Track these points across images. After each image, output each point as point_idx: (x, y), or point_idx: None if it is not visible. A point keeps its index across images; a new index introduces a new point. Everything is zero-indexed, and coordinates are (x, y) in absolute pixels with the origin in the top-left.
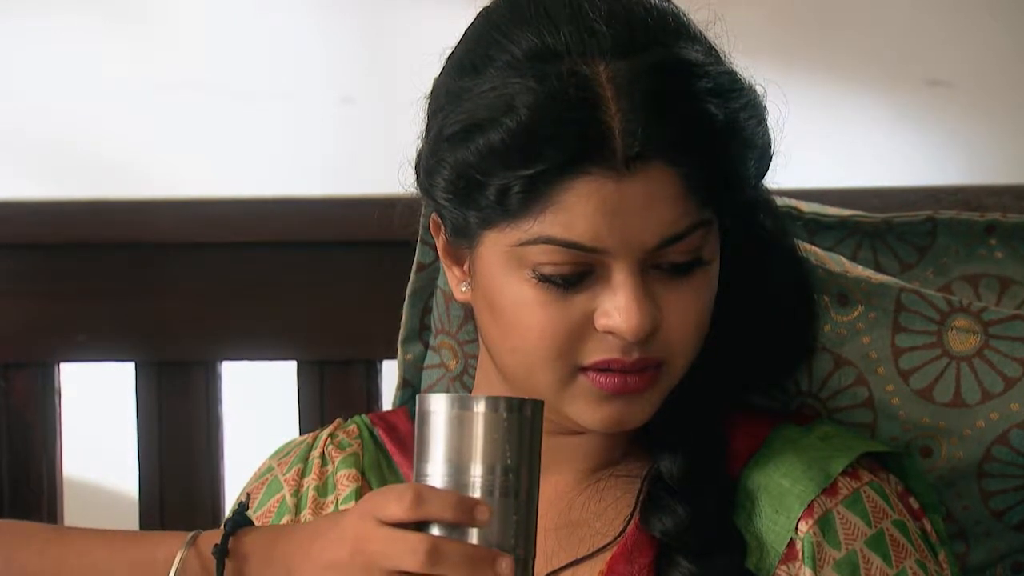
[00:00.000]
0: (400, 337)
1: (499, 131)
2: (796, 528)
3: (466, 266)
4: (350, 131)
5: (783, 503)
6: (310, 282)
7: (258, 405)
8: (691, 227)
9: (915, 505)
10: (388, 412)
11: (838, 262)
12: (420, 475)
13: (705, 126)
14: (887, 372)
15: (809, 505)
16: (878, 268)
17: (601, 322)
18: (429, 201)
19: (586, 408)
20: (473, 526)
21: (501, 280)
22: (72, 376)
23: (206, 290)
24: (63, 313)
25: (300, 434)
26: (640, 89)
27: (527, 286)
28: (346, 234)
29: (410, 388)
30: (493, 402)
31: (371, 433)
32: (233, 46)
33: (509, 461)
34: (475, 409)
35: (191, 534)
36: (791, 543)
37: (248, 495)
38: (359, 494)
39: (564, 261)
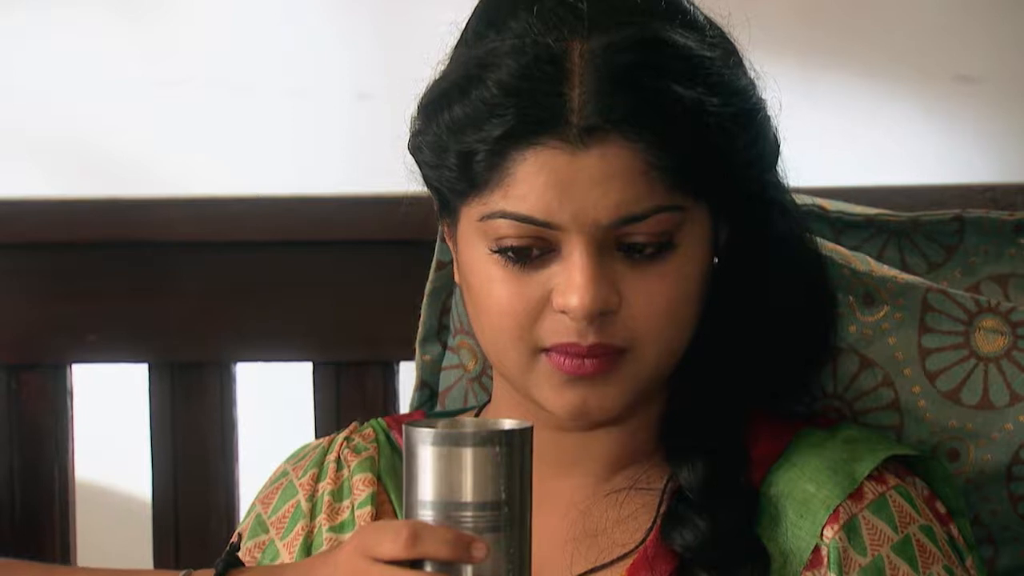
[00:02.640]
0: (418, 337)
1: (465, 100)
2: (821, 534)
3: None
4: (366, 128)
5: (808, 508)
6: (326, 281)
7: (273, 407)
8: (654, 209)
9: (942, 509)
10: (405, 415)
11: (864, 261)
12: (410, 509)
13: (669, 105)
14: (914, 373)
15: (834, 510)
16: (905, 267)
17: (556, 301)
18: (421, 177)
19: (550, 393)
20: (470, 563)
21: (471, 256)
22: (84, 378)
23: (220, 290)
24: (74, 313)
25: (316, 436)
26: (604, 63)
27: (490, 262)
28: (363, 232)
29: (428, 389)
30: (481, 436)
31: (387, 437)
32: (246, 42)
33: (503, 495)
34: (464, 445)
35: (183, 572)
36: (816, 549)
37: (240, 535)
38: (375, 499)
39: (520, 235)
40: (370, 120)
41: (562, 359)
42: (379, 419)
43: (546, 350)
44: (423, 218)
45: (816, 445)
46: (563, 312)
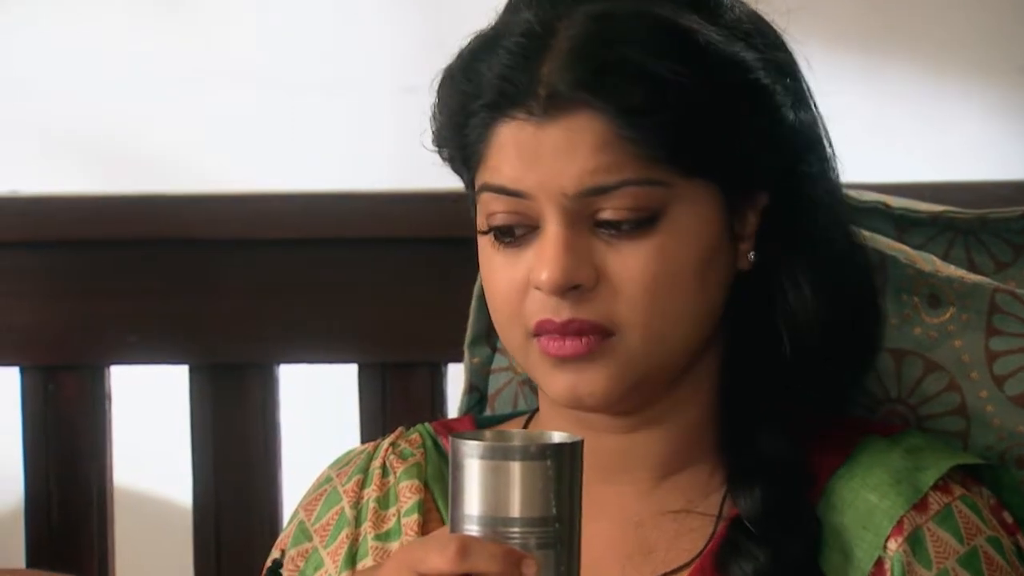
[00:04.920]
0: (467, 339)
1: (457, 78)
2: (884, 546)
3: None
4: (413, 122)
5: (871, 520)
6: (372, 280)
7: (317, 410)
8: (623, 182)
9: (1009, 520)
10: (453, 420)
11: (929, 261)
12: (457, 524)
13: (633, 75)
14: (980, 377)
15: (898, 522)
16: (972, 267)
17: (531, 277)
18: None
19: (545, 378)
20: None
21: (479, 241)
22: (123, 379)
23: (263, 289)
24: (114, 313)
25: (361, 440)
26: (574, 35)
27: (487, 245)
28: (410, 230)
29: (477, 393)
30: (530, 450)
31: (434, 442)
32: (289, 36)
33: (553, 511)
34: (512, 459)
35: None
36: (879, 561)
37: (282, 552)
38: (422, 506)
39: (502, 210)
40: (417, 114)
41: (547, 342)
42: (426, 424)
43: (537, 334)
44: (472, 215)
45: (879, 453)
46: (537, 288)
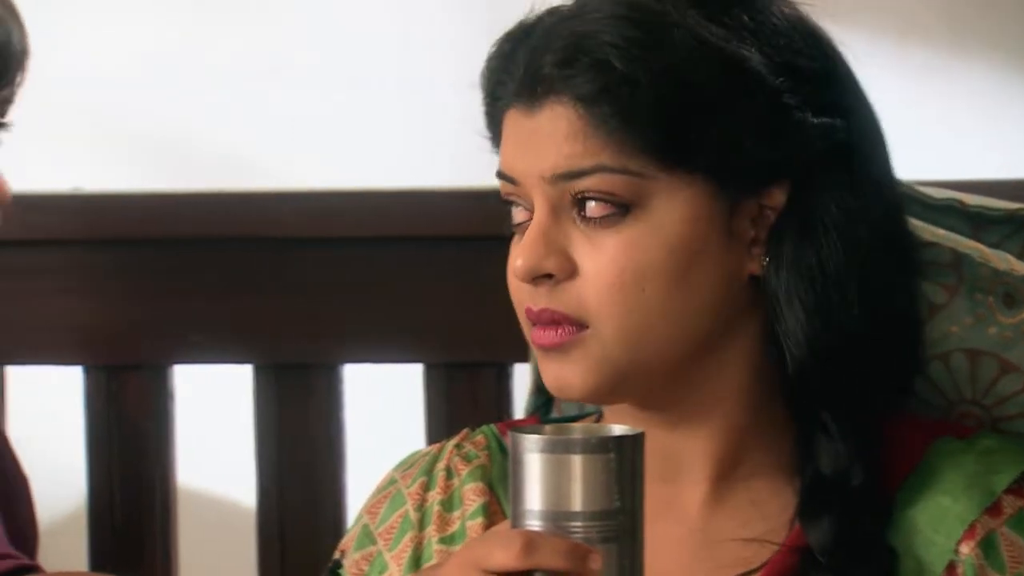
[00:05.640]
0: None
1: (483, 71)
2: (957, 550)
3: None
4: (478, 118)
5: (943, 523)
6: (437, 279)
7: (382, 410)
8: (598, 167)
9: None
10: (518, 421)
11: (1004, 260)
12: (518, 519)
13: (595, 67)
14: None
15: (971, 526)
16: None
17: None
18: None
19: (539, 367)
20: None
21: None
22: (186, 379)
23: (328, 288)
24: (177, 312)
25: (426, 442)
26: (550, 24)
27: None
28: (476, 228)
29: (543, 394)
30: (591, 443)
31: (500, 444)
32: (354, 31)
33: (616, 504)
34: (573, 452)
35: None
36: (951, 566)
37: (342, 552)
38: (487, 509)
39: (506, 193)
40: (479, 110)
41: (534, 331)
42: (491, 425)
43: (532, 324)
44: None
45: (952, 456)
46: (515, 275)
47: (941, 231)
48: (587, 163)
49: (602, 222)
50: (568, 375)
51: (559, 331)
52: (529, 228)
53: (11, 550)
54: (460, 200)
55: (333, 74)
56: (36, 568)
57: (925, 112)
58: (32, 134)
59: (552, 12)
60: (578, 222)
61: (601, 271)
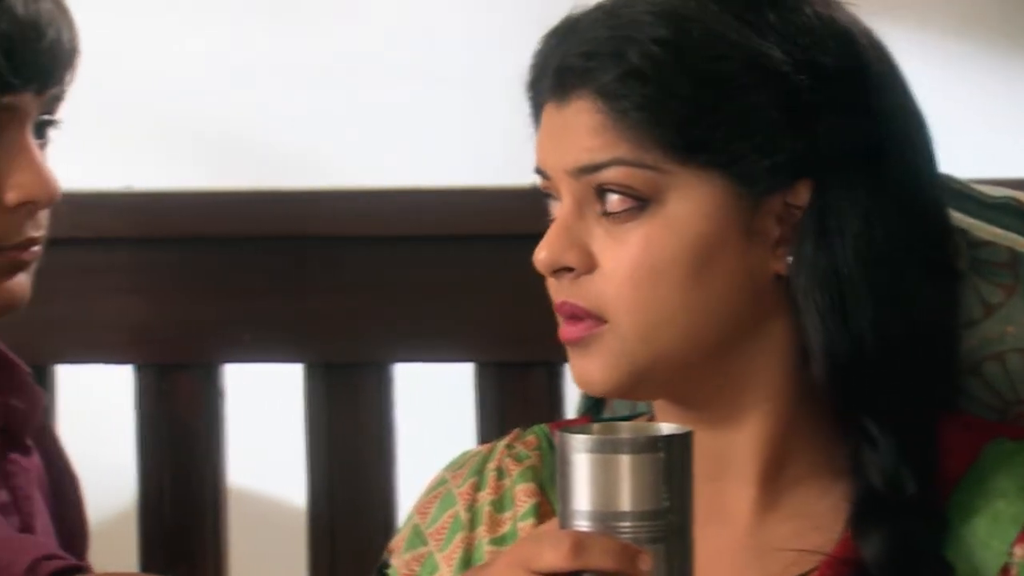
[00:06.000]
0: None
1: (527, 69)
2: (1011, 552)
3: None
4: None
5: (997, 526)
6: (489, 278)
7: (433, 410)
8: (615, 160)
9: None
10: (570, 420)
11: None
12: (566, 520)
13: (614, 62)
14: None
15: None
16: None
17: None
18: None
19: (569, 364)
20: None
21: None
22: (237, 378)
23: (379, 287)
24: (228, 311)
25: (477, 441)
26: (580, 20)
27: None
28: (529, 226)
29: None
30: (639, 442)
31: (551, 444)
32: (409, 26)
33: (666, 504)
34: (621, 452)
35: None
36: (1005, 568)
37: (390, 551)
38: (538, 510)
39: (543, 188)
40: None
41: (559, 327)
42: (542, 425)
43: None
44: None
45: (1007, 457)
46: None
47: (998, 230)
48: (605, 156)
49: (622, 217)
50: (589, 369)
51: (580, 326)
52: (554, 222)
53: (59, 551)
54: (513, 198)
55: (386, 70)
56: (84, 568)
57: (986, 107)
58: (83, 132)
59: (593, 8)
60: (600, 217)
61: (618, 266)
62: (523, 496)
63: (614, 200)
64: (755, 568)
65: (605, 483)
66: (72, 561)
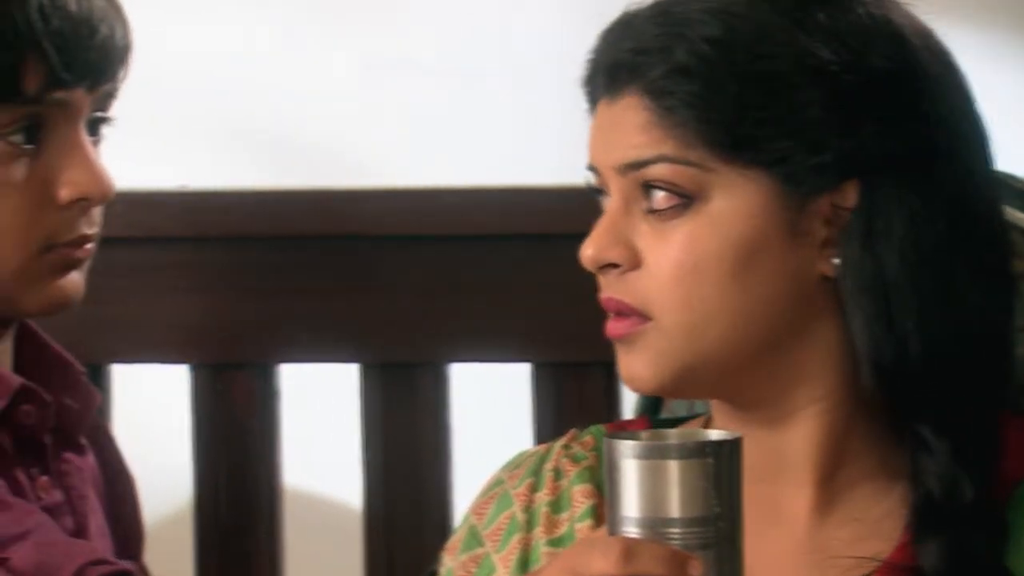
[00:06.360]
0: None
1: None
2: None
3: None
4: (586, 115)
5: None
6: (545, 278)
7: (490, 410)
8: (660, 156)
9: None
10: (627, 421)
11: None
12: (614, 526)
13: (663, 59)
14: None
15: None
16: None
17: None
18: None
19: (618, 361)
20: None
21: None
22: (292, 378)
23: (435, 287)
24: (284, 311)
25: (534, 442)
26: (633, 17)
27: None
28: (584, 226)
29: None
30: (688, 448)
31: None
32: (459, 23)
33: (716, 509)
34: (670, 457)
35: None
36: None
37: (446, 552)
38: (595, 512)
39: (597, 185)
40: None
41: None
42: (599, 426)
43: None
44: None
45: None
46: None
47: None
48: (651, 153)
49: (667, 214)
50: (635, 367)
51: (625, 322)
52: (601, 218)
53: (107, 555)
54: (567, 197)
55: (438, 68)
56: (131, 573)
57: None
58: (138, 130)
59: (649, 6)
60: (646, 214)
61: (661, 263)
62: (580, 497)
63: (659, 197)
64: (813, 574)
65: (654, 489)
66: (120, 566)
